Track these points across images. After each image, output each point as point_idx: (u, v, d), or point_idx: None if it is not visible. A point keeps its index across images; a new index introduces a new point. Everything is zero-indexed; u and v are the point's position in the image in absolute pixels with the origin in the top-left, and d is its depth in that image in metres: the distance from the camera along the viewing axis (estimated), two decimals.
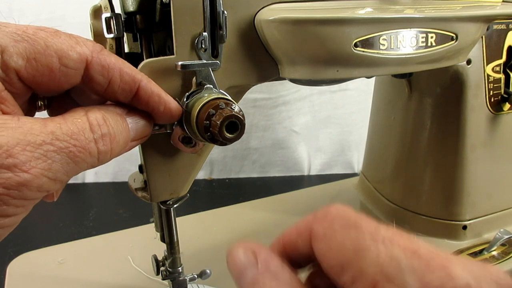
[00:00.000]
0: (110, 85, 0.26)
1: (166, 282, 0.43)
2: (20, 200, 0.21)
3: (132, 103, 0.27)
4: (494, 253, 0.53)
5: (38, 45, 0.23)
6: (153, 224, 0.42)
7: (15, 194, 0.21)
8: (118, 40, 0.32)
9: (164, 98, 0.28)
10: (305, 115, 0.99)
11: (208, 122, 0.28)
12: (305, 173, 1.02)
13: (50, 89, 0.25)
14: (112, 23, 0.32)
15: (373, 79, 0.66)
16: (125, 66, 0.26)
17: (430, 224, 0.57)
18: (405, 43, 0.37)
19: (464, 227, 0.55)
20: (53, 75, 0.24)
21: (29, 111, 0.27)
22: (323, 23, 0.33)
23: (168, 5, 0.31)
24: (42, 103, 0.28)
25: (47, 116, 0.28)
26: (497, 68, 0.52)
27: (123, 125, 0.26)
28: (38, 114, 0.28)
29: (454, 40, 0.40)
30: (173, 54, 0.31)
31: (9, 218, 0.22)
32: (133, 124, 0.27)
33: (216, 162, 1.00)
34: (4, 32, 0.23)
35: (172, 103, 0.29)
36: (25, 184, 0.21)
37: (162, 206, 0.38)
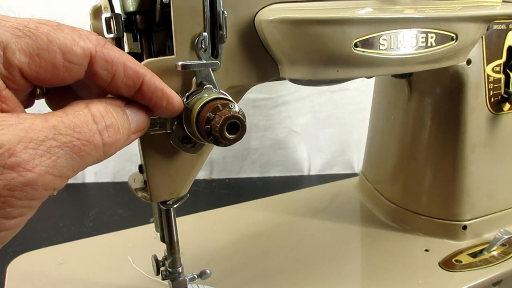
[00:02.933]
0: (114, 79, 0.25)
1: (166, 282, 0.43)
2: (26, 201, 0.21)
3: (135, 98, 0.27)
4: (494, 253, 0.53)
5: (41, 41, 0.22)
6: (153, 224, 0.42)
7: (19, 195, 0.20)
8: (118, 40, 0.32)
9: (167, 92, 0.28)
10: (305, 115, 0.99)
11: (208, 126, 0.28)
12: (305, 173, 1.02)
13: (53, 84, 0.24)
14: (112, 23, 0.31)
15: (373, 79, 0.66)
16: (129, 61, 0.26)
17: (430, 224, 0.57)
18: (405, 43, 0.37)
19: (464, 227, 0.55)
20: (56, 71, 0.23)
21: (28, 100, 0.27)
22: (323, 23, 0.33)
23: (168, 5, 0.31)
24: (40, 91, 0.27)
25: (44, 103, 0.28)
26: (497, 68, 0.52)
27: (124, 117, 0.26)
28: (36, 102, 0.27)
29: (454, 40, 0.40)
30: (173, 54, 0.31)
31: (15, 220, 0.21)
32: (132, 116, 0.27)
33: (216, 162, 1.00)
34: (5, 27, 0.22)
35: (175, 98, 0.28)
36: (29, 184, 0.20)
37: (162, 206, 0.38)
